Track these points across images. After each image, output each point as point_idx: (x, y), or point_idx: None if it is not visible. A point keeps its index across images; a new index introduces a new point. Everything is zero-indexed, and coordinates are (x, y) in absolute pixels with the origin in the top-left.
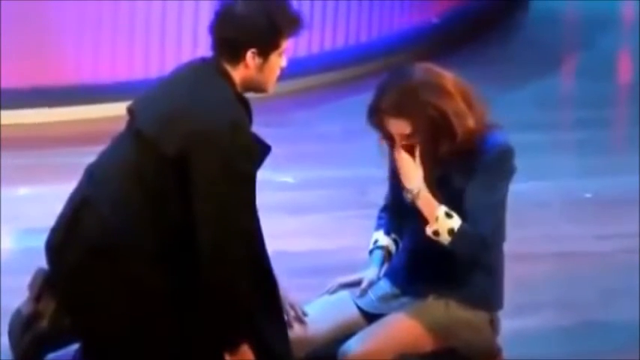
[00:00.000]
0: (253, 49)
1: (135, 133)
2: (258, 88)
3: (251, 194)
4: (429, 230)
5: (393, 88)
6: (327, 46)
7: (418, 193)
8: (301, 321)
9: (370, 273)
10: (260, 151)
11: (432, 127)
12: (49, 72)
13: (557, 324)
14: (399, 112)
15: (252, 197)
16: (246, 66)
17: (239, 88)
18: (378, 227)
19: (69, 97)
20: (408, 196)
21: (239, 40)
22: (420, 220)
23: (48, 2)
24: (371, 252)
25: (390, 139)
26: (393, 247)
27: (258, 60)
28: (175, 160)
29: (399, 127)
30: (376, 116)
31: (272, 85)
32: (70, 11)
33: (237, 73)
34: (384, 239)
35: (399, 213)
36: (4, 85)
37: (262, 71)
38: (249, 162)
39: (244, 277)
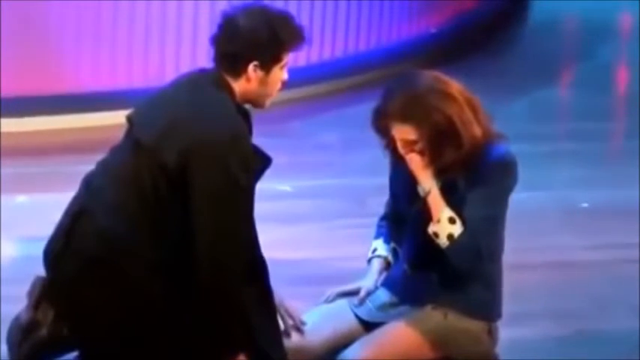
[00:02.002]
0: (255, 63)
1: (133, 142)
2: (258, 101)
3: (249, 205)
4: (430, 229)
5: (400, 93)
6: (326, 55)
7: (429, 191)
8: (299, 330)
9: (368, 282)
10: (260, 162)
11: (437, 133)
12: (48, 80)
13: (553, 334)
14: (405, 118)
15: (250, 208)
16: (248, 79)
17: (239, 100)
18: (377, 236)
19: (69, 105)
20: (421, 192)
21: (241, 53)
22: (419, 229)
23: (48, 11)
24: (369, 260)
25: (393, 145)
26: (391, 257)
27: (259, 73)
28: (174, 170)
29: (404, 132)
30: (381, 121)
31: (271, 100)
32: (69, 20)
33: (238, 86)
34: (383, 248)
35: (399, 222)
36: (4, 93)
37: (263, 84)
38: (248, 174)
39: (242, 287)
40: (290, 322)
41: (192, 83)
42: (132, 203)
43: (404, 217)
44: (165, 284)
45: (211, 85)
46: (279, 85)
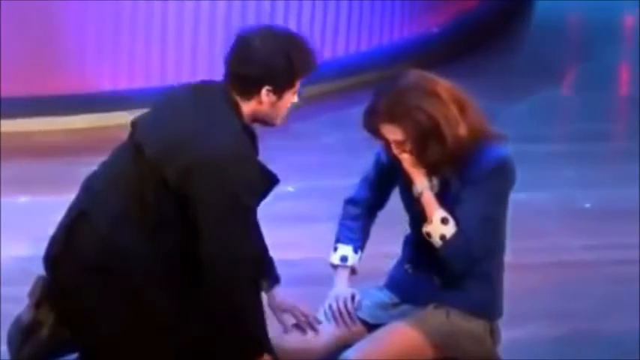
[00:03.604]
0: (268, 87)
1: (137, 150)
2: (268, 122)
3: (254, 222)
4: (424, 229)
5: (386, 93)
6: (327, 55)
7: (422, 192)
8: (314, 327)
9: (342, 289)
10: (267, 182)
11: (421, 132)
12: (49, 81)
13: (553, 334)
14: (391, 118)
15: (255, 224)
16: (260, 102)
17: (248, 120)
18: (346, 241)
19: (69, 105)
20: (415, 193)
21: (255, 77)
22: (419, 229)
23: (49, 11)
24: (336, 267)
25: (386, 144)
26: (357, 266)
27: (272, 97)
28: (176, 187)
29: (392, 132)
30: (370, 121)
31: (281, 120)
32: (70, 21)
33: (249, 107)
34: (353, 258)
35: (372, 215)
36: (4, 93)
37: (275, 107)
38: (252, 195)
39: (251, 302)
40: (303, 318)
41: (201, 97)
42: (133, 211)
43: (409, 216)
44: (165, 293)
45: (219, 102)
46: (289, 108)
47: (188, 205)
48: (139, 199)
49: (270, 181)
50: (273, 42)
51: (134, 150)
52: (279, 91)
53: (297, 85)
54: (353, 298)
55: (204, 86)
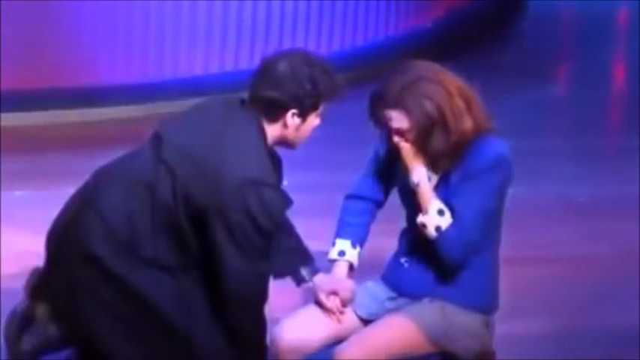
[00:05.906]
0: (294, 111)
1: (161, 161)
2: (290, 144)
3: (270, 245)
4: (418, 220)
5: (395, 81)
6: (322, 51)
7: (419, 183)
8: (339, 319)
9: (339, 284)
10: (283, 206)
11: (427, 121)
12: (48, 75)
13: (550, 329)
14: (398, 104)
15: (270, 247)
16: (285, 125)
17: (271, 142)
18: (344, 236)
19: (68, 100)
20: (411, 184)
21: (282, 101)
22: (415, 222)
23: (48, 8)
24: (333, 260)
25: (387, 132)
26: (356, 262)
27: (297, 120)
28: (198, 208)
29: (398, 120)
30: (376, 107)
31: (302, 143)
32: (69, 15)
33: (273, 130)
34: (351, 254)
35: (374, 210)
36: (4, 87)
37: (298, 130)
38: (272, 219)
39: (259, 315)
40: (335, 308)
41: (229, 118)
42: (146, 215)
43: (406, 208)
44: (165, 291)
45: (247, 126)
46: (311, 131)
47: (206, 220)
48: (154, 202)
49: (285, 204)
50: (299, 66)
51: (159, 162)
52: (304, 114)
53: (322, 107)
54: (348, 294)
55: (237, 106)
